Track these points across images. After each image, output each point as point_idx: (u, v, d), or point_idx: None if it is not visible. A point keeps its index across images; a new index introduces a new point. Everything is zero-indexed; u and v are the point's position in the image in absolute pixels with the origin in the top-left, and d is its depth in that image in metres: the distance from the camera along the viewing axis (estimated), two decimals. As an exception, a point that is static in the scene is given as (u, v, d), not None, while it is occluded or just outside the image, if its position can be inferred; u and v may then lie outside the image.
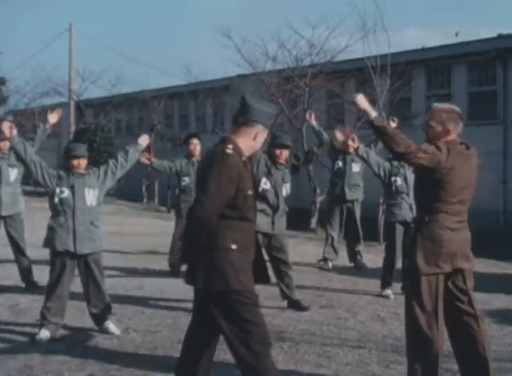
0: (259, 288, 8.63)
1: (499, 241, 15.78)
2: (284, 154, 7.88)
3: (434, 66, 20.80)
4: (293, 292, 7.99)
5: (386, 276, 8.79)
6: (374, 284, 9.18)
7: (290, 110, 19.48)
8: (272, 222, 7.80)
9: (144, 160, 9.52)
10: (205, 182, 4.28)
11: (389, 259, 8.82)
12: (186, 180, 10.03)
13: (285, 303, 8.12)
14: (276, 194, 7.81)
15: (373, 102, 17.99)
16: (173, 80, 45.49)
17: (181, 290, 8.99)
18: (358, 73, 18.87)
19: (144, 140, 7.11)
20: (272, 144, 7.91)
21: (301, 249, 12.25)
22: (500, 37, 19.30)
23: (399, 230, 8.76)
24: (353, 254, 11.01)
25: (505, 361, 5.97)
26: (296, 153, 8.76)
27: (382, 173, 8.78)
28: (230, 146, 4.35)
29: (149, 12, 78.14)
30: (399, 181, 8.76)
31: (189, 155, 10.22)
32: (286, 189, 7.87)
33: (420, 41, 62.78)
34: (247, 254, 4.44)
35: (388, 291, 8.73)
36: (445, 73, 20.61)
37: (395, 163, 8.71)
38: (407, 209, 8.69)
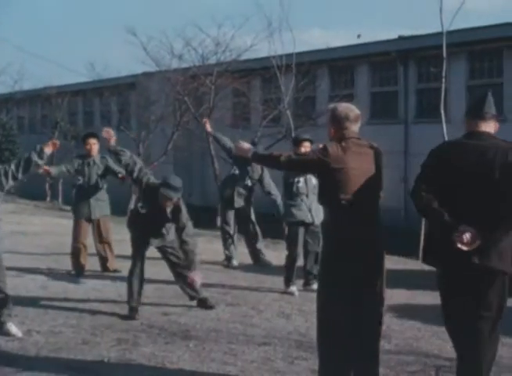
0: (164, 287, 8.65)
1: (400, 238, 16.18)
2: None
3: (337, 67, 21.18)
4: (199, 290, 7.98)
5: (289, 273, 8.92)
6: (279, 282, 9.27)
7: (195, 108, 19.45)
8: None
9: (42, 172, 9.42)
10: None
11: (291, 257, 8.94)
12: (81, 180, 9.92)
13: (190, 302, 8.11)
14: None
15: (278, 101, 18.23)
16: (77, 77, 44.69)
17: (84, 290, 8.92)
18: (263, 72, 19.01)
19: (49, 148, 7.01)
20: None
21: (208, 247, 12.23)
22: (401, 38, 19.80)
23: (300, 229, 8.90)
24: (255, 254, 11.09)
25: (406, 354, 6.13)
26: None
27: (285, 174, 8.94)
28: None
29: (51, 8, 76.49)
30: (301, 182, 8.89)
31: (86, 155, 10.06)
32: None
33: (325, 41, 63.83)
34: None
35: (293, 288, 8.84)
36: (348, 73, 21.01)
37: None
38: (306, 210, 8.86)
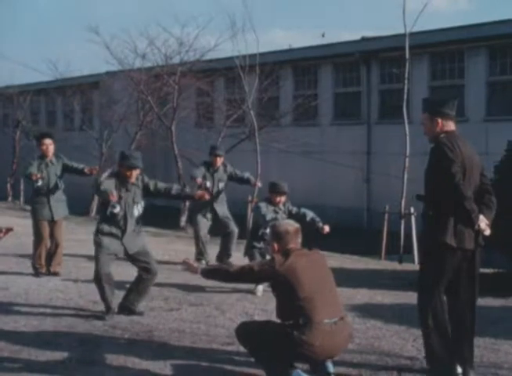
0: (127, 287, 8.58)
1: (363, 238, 16.32)
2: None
3: (301, 67, 21.25)
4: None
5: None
6: (243, 281, 9.29)
7: (159, 108, 19.39)
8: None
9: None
10: None
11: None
12: (39, 182, 9.81)
13: (154, 302, 8.11)
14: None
15: (241, 101, 18.24)
16: (39, 76, 44.24)
17: (47, 291, 8.84)
18: (227, 72, 19.01)
19: None
20: None
21: (171, 248, 12.23)
22: (364, 39, 19.94)
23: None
24: (226, 254, 11.05)
25: (369, 354, 6.18)
26: None
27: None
28: None
29: (12, 5, 75.71)
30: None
31: (43, 155, 9.96)
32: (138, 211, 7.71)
33: (288, 42, 63.97)
34: None
35: (260, 287, 8.86)
36: (312, 73, 21.09)
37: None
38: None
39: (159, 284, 9.19)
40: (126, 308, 7.60)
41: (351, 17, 65.65)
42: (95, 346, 6.39)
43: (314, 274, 5.23)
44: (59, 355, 6.10)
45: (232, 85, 21.03)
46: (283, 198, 8.97)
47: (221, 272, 5.61)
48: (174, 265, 10.65)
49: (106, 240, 7.42)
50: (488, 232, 5.41)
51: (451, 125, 5.61)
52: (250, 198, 15.18)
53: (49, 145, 9.94)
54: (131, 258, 7.57)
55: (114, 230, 7.44)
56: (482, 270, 10.52)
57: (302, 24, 67.86)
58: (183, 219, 17.55)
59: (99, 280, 7.43)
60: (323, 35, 21.87)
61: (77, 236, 12.32)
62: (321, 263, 5.44)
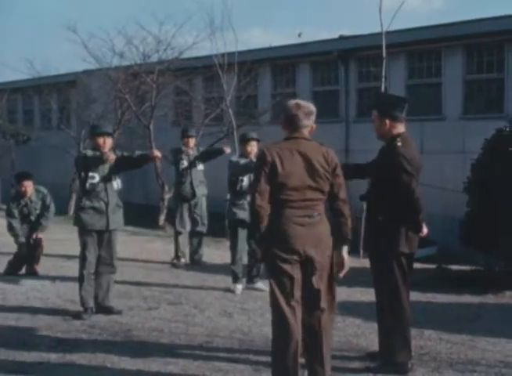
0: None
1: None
2: None
3: (279, 65, 21.27)
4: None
5: (235, 271, 8.90)
6: (222, 280, 9.29)
7: (137, 106, 19.33)
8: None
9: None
10: None
11: (234, 257, 8.94)
12: (22, 219, 10.03)
13: (132, 301, 8.08)
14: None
15: (220, 99, 18.22)
16: (16, 74, 43.94)
17: (24, 290, 8.79)
18: (205, 70, 18.96)
19: None
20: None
21: (150, 246, 12.20)
22: (342, 38, 19.99)
23: (240, 228, 8.89)
24: (197, 255, 11.05)
25: (348, 351, 6.20)
26: None
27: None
28: None
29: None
30: (245, 181, 8.84)
31: (21, 195, 10.05)
32: (117, 184, 7.66)
33: (265, 41, 63.99)
34: None
35: (239, 286, 8.85)
36: (290, 72, 21.12)
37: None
38: (248, 209, 8.81)
39: (137, 283, 9.19)
40: (101, 308, 7.58)
41: (329, 16, 65.80)
42: (74, 346, 6.35)
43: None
44: (36, 355, 6.06)
45: (211, 84, 20.98)
46: (254, 147, 8.79)
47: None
48: (152, 264, 10.64)
49: (88, 218, 7.37)
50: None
51: (399, 127, 5.63)
52: (228, 196, 15.13)
53: (28, 187, 10.03)
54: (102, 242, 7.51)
55: (97, 204, 7.40)
56: (460, 267, 10.65)
57: (281, 23, 67.92)
58: (162, 218, 17.51)
59: (82, 279, 7.40)
60: (299, 35, 21.83)
61: (55, 236, 12.24)
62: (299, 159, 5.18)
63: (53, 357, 6.01)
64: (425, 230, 5.65)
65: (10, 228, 9.94)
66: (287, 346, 4.85)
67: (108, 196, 7.44)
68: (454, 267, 10.77)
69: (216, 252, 11.43)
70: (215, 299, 8.46)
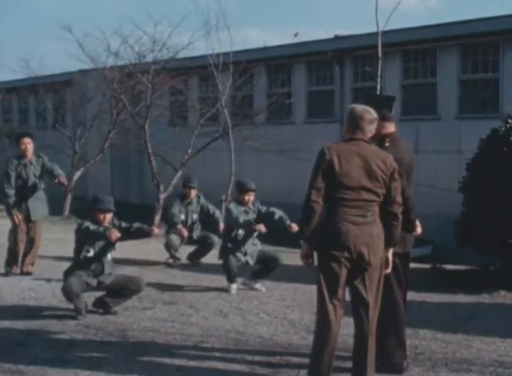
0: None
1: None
2: None
3: (274, 65, 21.25)
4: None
5: (229, 272, 8.91)
6: (217, 280, 9.29)
7: (133, 106, 19.30)
8: None
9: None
10: None
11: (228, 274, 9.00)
12: (20, 182, 9.71)
13: (127, 301, 8.08)
14: None
15: (215, 99, 18.21)
16: (11, 74, 43.95)
17: (19, 290, 8.78)
18: (201, 70, 18.94)
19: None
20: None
21: (145, 246, 12.17)
22: (337, 38, 19.98)
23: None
24: (197, 257, 11.05)
25: (342, 351, 6.18)
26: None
27: None
28: None
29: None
30: (240, 235, 9.02)
31: (21, 155, 9.80)
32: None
33: (261, 41, 64.01)
34: None
35: (234, 286, 8.87)
36: (286, 72, 21.10)
37: None
38: (241, 256, 8.94)
39: (133, 283, 9.16)
40: (101, 304, 7.63)
41: (325, 16, 65.83)
42: (69, 346, 6.35)
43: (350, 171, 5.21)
44: (31, 355, 6.06)
45: (206, 84, 20.95)
46: (251, 197, 9.00)
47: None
48: (148, 264, 10.63)
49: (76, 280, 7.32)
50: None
51: (389, 127, 5.64)
52: (223, 197, 15.16)
53: (28, 144, 9.78)
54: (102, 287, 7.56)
55: (89, 280, 7.38)
56: (455, 267, 10.66)
57: (276, 23, 67.92)
58: (157, 218, 17.48)
59: (67, 294, 7.35)
60: (296, 35, 21.82)
61: (51, 236, 12.23)
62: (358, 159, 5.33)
63: (48, 357, 6.00)
64: (419, 229, 5.70)
65: (4, 194, 9.69)
66: (326, 342, 5.14)
67: (103, 268, 7.44)
68: (449, 267, 10.78)
69: (212, 252, 11.41)
70: (211, 299, 8.46)
